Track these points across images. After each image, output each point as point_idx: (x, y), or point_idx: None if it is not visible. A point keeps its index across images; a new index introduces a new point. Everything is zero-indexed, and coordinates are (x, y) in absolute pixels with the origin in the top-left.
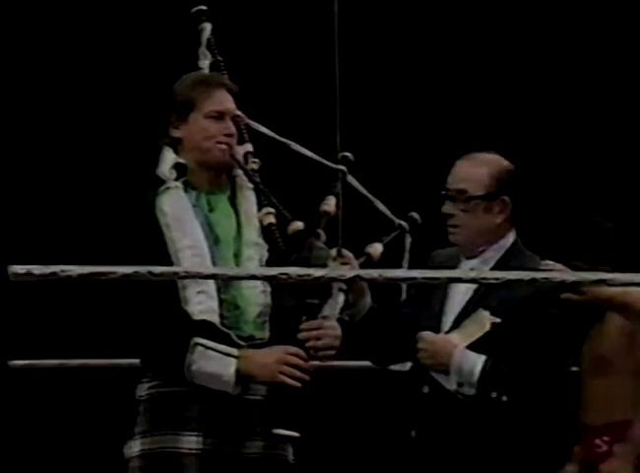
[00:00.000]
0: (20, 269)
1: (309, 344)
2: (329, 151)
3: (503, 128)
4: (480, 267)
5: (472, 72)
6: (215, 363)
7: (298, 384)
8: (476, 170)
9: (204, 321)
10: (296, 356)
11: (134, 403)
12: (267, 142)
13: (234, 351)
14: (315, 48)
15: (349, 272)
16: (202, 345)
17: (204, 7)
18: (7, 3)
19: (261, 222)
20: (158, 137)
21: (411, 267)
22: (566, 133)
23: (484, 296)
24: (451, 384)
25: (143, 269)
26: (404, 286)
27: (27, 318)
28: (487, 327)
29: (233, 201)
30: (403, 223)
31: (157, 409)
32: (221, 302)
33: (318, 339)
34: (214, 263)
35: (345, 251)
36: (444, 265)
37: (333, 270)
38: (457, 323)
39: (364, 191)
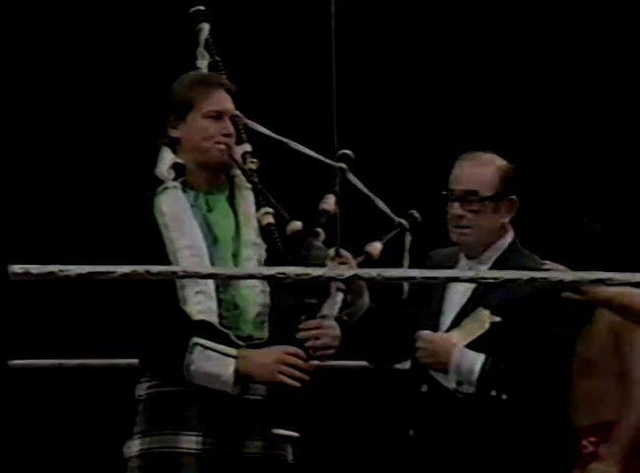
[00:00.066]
0: (18, 269)
1: (308, 344)
2: (327, 149)
3: (501, 126)
4: (478, 267)
5: (470, 69)
6: (214, 363)
7: (298, 384)
8: (484, 171)
9: (203, 321)
10: (295, 356)
11: (133, 403)
12: (265, 142)
13: (233, 351)
14: (313, 47)
15: (347, 271)
16: (201, 345)
17: (202, 7)
18: (7, 3)
19: (259, 222)
20: (156, 137)
21: (411, 266)
22: (557, 134)
23: (484, 295)
24: (450, 383)
25: (141, 269)
26: (405, 285)
27: (25, 318)
28: (487, 326)
29: (232, 201)
30: (403, 221)
31: (156, 409)
32: (219, 301)
33: (317, 339)
34: (212, 263)
35: (343, 251)
36: (443, 265)
37: (331, 270)
38: (456, 323)
39: (364, 189)
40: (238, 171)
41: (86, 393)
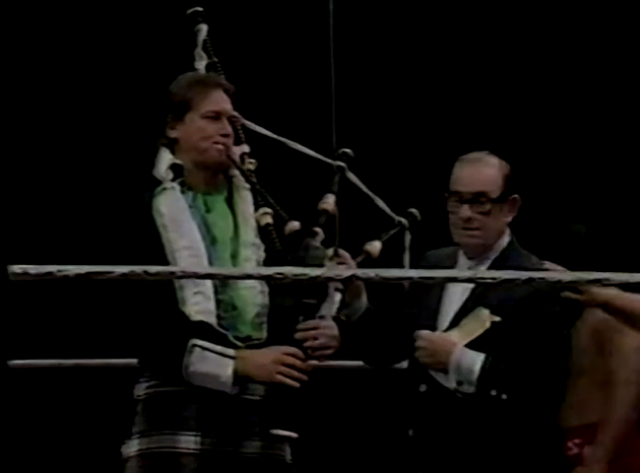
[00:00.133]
0: (17, 269)
1: (306, 344)
2: (326, 148)
3: (497, 125)
4: (478, 267)
5: (468, 68)
6: (212, 364)
7: (296, 384)
8: (490, 172)
9: (201, 322)
10: (294, 356)
11: (132, 403)
12: (264, 142)
13: (232, 352)
14: (311, 47)
15: (345, 271)
16: (199, 346)
17: (200, 8)
18: (6, 3)
19: (258, 222)
20: (154, 138)
21: (411, 264)
22: (543, 136)
23: (483, 295)
24: (450, 383)
25: (139, 269)
26: (406, 284)
27: (24, 318)
28: (488, 325)
29: (230, 202)
30: (402, 219)
31: (154, 409)
32: (218, 302)
33: (315, 339)
34: (211, 264)
35: (341, 251)
36: (439, 265)
37: (329, 270)
38: (454, 323)
39: (364, 188)
40: (237, 172)
41: (84, 393)
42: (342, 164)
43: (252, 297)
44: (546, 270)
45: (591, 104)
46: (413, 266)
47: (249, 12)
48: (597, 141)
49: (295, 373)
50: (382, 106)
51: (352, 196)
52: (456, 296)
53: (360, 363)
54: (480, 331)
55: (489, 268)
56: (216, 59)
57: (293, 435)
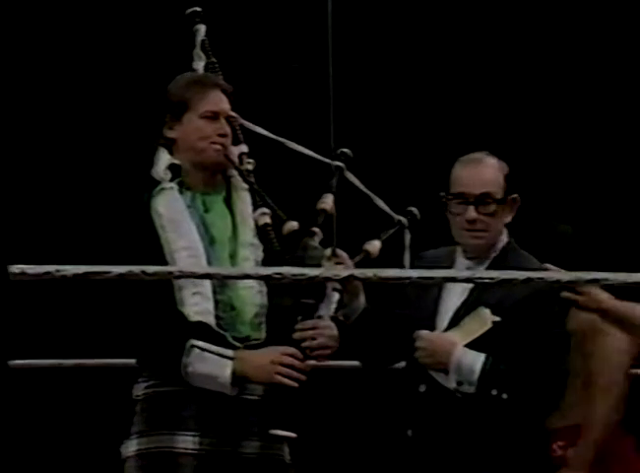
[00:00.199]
0: (15, 269)
1: (305, 344)
2: (324, 148)
3: (488, 125)
4: (477, 267)
5: (467, 67)
6: (210, 365)
7: (295, 384)
8: (493, 172)
9: (200, 323)
10: (292, 356)
11: (131, 403)
12: (262, 142)
13: (230, 352)
14: (309, 47)
15: (343, 271)
16: (198, 347)
17: (198, 8)
18: (6, 3)
19: (256, 222)
20: (153, 138)
21: (412, 264)
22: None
23: (482, 295)
24: (450, 383)
25: (137, 269)
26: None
27: (23, 318)
28: (489, 325)
29: (229, 202)
30: (402, 218)
31: (153, 409)
32: (216, 303)
33: (314, 339)
34: (209, 264)
35: (339, 251)
36: (436, 265)
37: (327, 270)
38: (453, 323)
39: (362, 187)
40: (235, 172)
41: (83, 393)
42: (340, 164)
43: (251, 297)
44: (546, 270)
45: (576, 104)
46: (413, 265)
47: (247, 12)
48: (583, 141)
49: (294, 374)
50: (380, 106)
51: (350, 196)
52: (455, 296)
53: (359, 363)
54: (481, 331)
55: (488, 268)
56: (214, 59)
57: (292, 435)
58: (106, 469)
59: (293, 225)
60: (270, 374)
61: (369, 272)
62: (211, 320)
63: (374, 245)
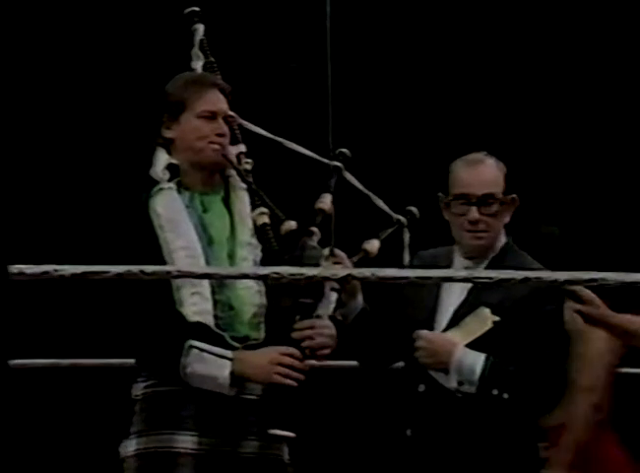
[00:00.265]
0: (13, 269)
1: (304, 344)
2: (323, 148)
3: (496, 124)
4: (474, 266)
5: (466, 66)
6: (209, 365)
7: (294, 384)
8: (493, 172)
9: (198, 323)
10: (291, 356)
11: (130, 402)
12: (261, 142)
13: (229, 353)
14: (308, 47)
15: (341, 271)
16: (196, 348)
17: (197, 8)
18: (6, 3)
19: (255, 222)
20: (151, 138)
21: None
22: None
23: (481, 295)
24: (451, 383)
25: (135, 268)
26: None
27: (22, 318)
28: (489, 325)
29: (227, 201)
30: (401, 218)
31: (152, 408)
32: (215, 303)
33: (312, 338)
34: (208, 264)
35: (337, 251)
36: (434, 265)
37: (325, 269)
38: (452, 323)
39: (361, 187)
40: (233, 172)
41: (82, 393)
42: (338, 164)
43: (249, 297)
44: (544, 269)
45: (563, 106)
46: (410, 265)
47: (246, 12)
48: (571, 142)
49: (293, 373)
50: (379, 106)
51: (349, 196)
52: (454, 295)
53: (357, 362)
54: (481, 331)
55: (487, 268)
56: (212, 59)
57: (291, 434)
58: (105, 469)
59: (292, 224)
60: (269, 374)
61: (367, 272)
62: (209, 320)
63: (373, 245)
